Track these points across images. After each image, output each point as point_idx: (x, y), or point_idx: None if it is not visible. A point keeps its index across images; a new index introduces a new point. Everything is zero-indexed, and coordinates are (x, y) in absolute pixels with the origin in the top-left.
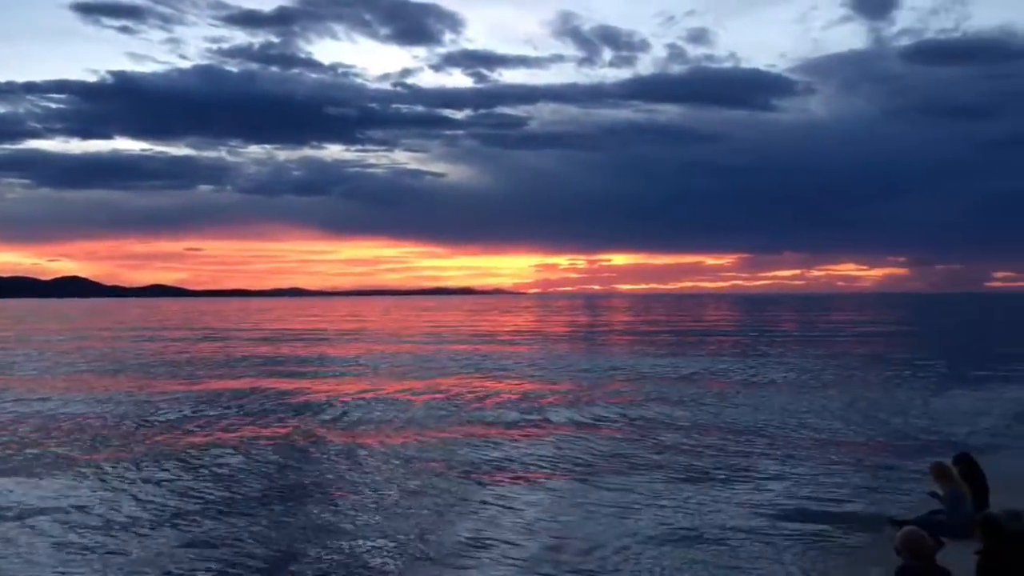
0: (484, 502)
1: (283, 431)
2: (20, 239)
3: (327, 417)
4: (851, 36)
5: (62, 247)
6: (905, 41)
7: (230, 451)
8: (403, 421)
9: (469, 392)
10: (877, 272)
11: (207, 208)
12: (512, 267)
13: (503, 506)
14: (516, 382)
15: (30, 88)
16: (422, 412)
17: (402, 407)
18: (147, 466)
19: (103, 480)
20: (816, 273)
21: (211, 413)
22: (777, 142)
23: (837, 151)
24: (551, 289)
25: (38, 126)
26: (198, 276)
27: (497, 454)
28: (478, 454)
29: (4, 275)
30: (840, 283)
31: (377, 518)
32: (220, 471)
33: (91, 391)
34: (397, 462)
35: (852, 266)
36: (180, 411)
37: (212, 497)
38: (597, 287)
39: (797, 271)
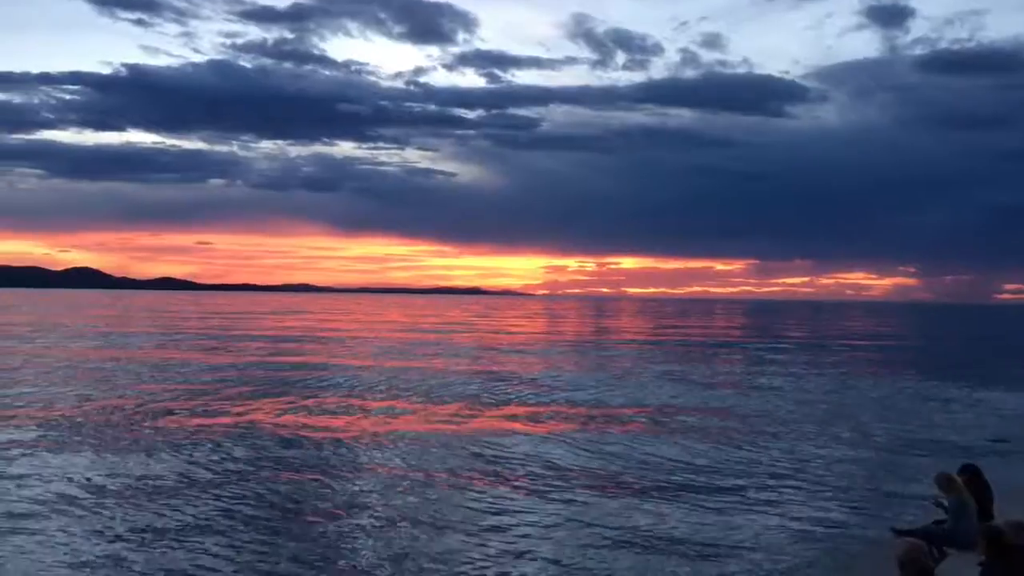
0: (489, 510)
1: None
2: (32, 229)
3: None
4: (865, 44)
5: (73, 238)
6: (919, 50)
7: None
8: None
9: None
10: (886, 281)
11: (218, 202)
12: (521, 268)
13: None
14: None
15: (45, 79)
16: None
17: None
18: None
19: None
20: (825, 281)
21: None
22: (789, 149)
23: (849, 159)
24: (560, 291)
25: (52, 117)
26: (208, 270)
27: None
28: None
29: (15, 264)
30: (849, 291)
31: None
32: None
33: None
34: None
35: (862, 275)
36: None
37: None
38: (606, 290)
39: (806, 278)
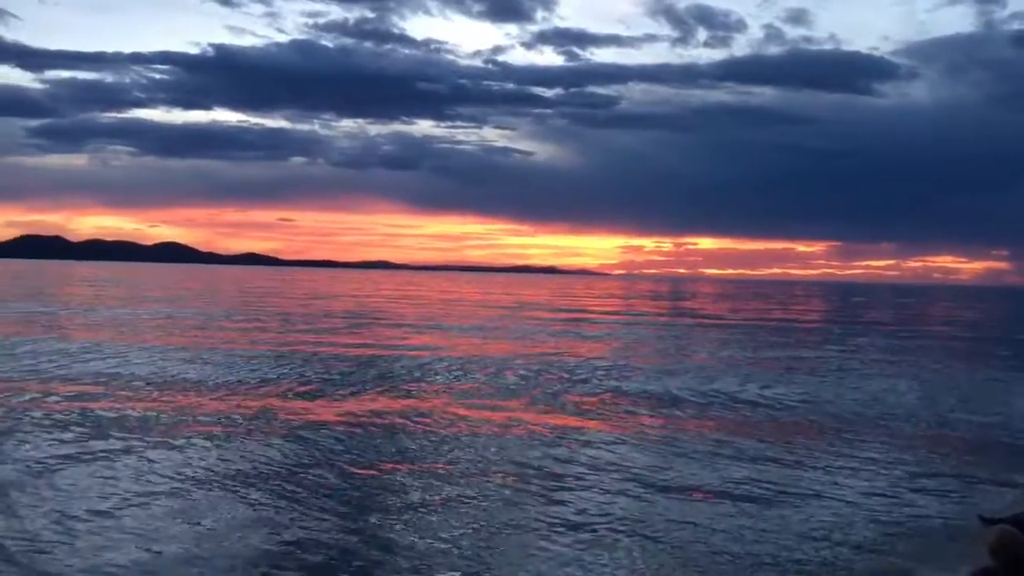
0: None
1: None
2: (124, 205)
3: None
4: (959, 19)
5: (162, 213)
6: (1017, 25)
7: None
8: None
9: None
10: (977, 265)
11: (300, 180)
12: (597, 247)
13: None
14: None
15: (136, 59)
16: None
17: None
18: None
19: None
20: (912, 264)
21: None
22: (876, 127)
23: (939, 138)
24: (636, 271)
25: (143, 96)
26: (290, 246)
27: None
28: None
29: (108, 239)
30: (936, 275)
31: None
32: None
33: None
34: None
35: (950, 258)
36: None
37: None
38: (683, 270)
39: (891, 261)
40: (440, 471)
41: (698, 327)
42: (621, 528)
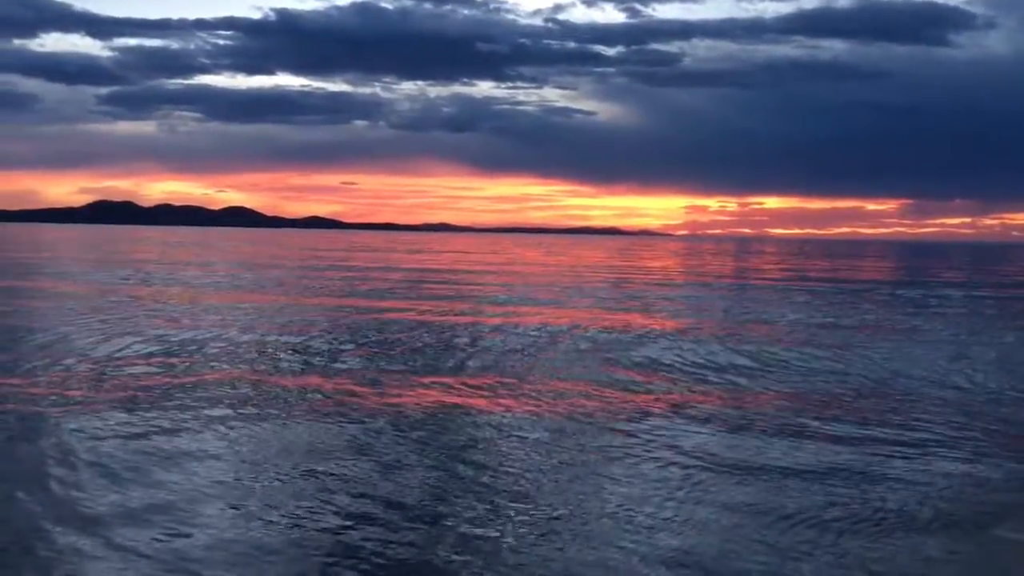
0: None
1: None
2: (192, 170)
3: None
4: None
5: (228, 178)
6: None
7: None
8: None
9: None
10: None
11: (362, 143)
12: (660, 208)
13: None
14: None
15: (200, 25)
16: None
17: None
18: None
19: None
20: (989, 221)
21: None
22: (951, 80)
23: (1018, 91)
24: (700, 231)
25: (207, 62)
26: (353, 209)
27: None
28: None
29: (176, 204)
30: (1016, 233)
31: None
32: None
33: None
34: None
35: None
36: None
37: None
38: (748, 231)
39: (968, 219)
40: (512, 459)
41: (769, 288)
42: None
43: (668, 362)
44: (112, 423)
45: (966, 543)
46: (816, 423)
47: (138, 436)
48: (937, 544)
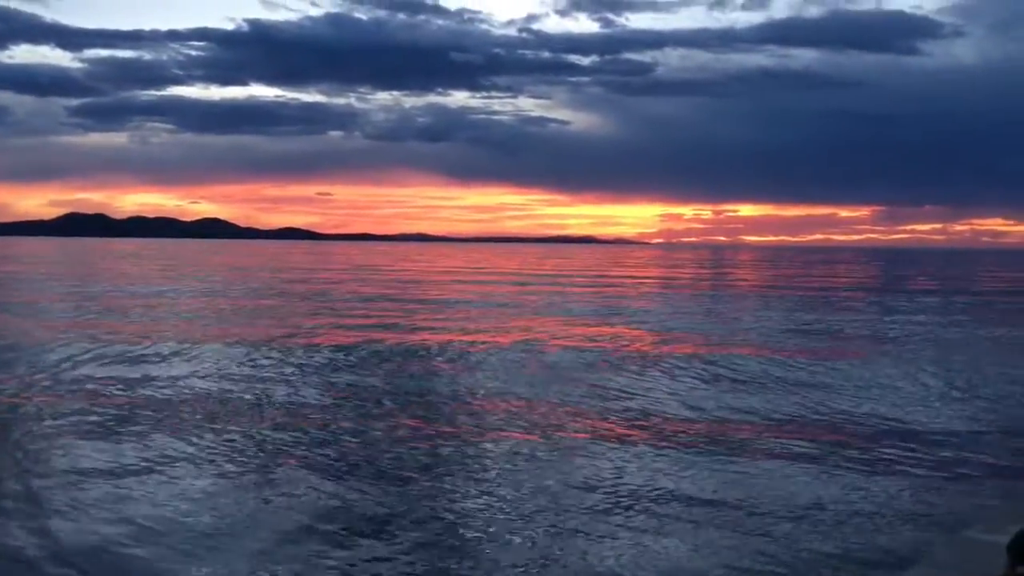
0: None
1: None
2: (164, 182)
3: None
4: None
5: (202, 190)
6: None
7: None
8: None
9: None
10: None
11: (337, 154)
12: (635, 216)
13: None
14: None
15: (173, 36)
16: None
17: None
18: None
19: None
20: (959, 227)
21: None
22: (920, 88)
23: (986, 98)
24: (675, 239)
25: (180, 73)
26: (329, 220)
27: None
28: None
29: (150, 216)
30: (985, 239)
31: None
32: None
33: None
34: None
35: (999, 220)
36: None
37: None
38: (723, 238)
39: (938, 225)
40: (489, 485)
41: (745, 296)
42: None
43: (636, 391)
44: None
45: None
46: (783, 441)
47: None
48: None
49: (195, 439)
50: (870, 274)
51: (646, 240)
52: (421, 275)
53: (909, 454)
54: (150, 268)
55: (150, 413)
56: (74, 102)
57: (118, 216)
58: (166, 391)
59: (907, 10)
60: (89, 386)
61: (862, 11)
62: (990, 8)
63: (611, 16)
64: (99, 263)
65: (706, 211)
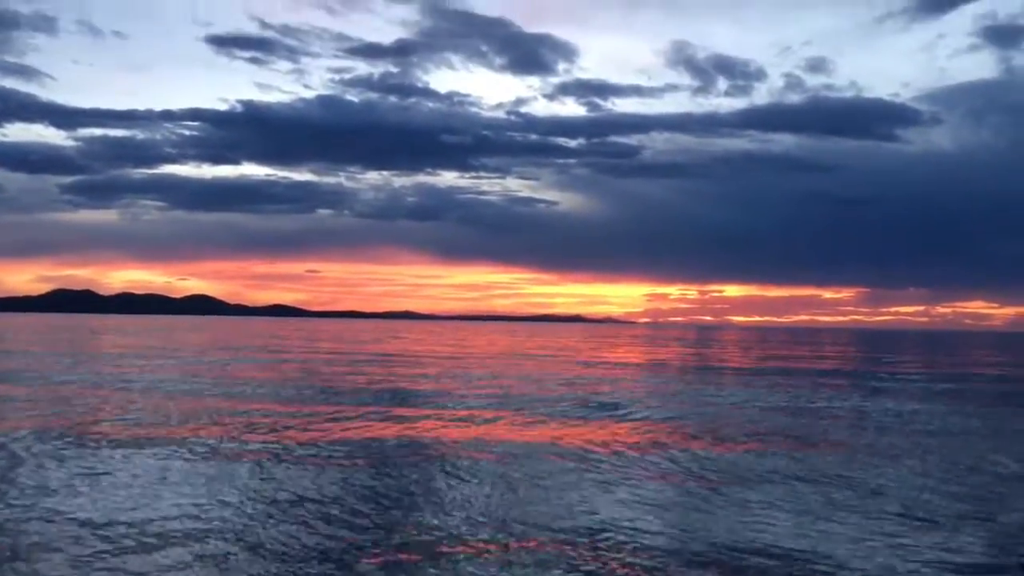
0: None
1: None
2: (153, 259)
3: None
4: (980, 65)
5: (191, 267)
6: None
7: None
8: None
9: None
10: (1009, 310)
11: (326, 232)
12: (622, 295)
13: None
14: None
15: (167, 116)
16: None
17: None
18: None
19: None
20: (942, 310)
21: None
22: (900, 173)
23: (964, 184)
24: (662, 319)
25: (173, 151)
26: (316, 297)
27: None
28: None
29: (138, 292)
30: (968, 321)
31: None
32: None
33: None
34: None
35: (982, 303)
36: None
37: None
38: (709, 318)
39: (921, 307)
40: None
41: (734, 376)
42: None
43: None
44: None
45: None
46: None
47: None
48: None
49: None
50: (847, 355)
51: (633, 319)
52: (391, 357)
53: None
54: (116, 346)
55: None
56: (66, 180)
57: (106, 292)
58: None
59: (885, 98)
60: None
61: (841, 98)
62: (966, 98)
63: (598, 100)
64: (75, 339)
65: (692, 291)
